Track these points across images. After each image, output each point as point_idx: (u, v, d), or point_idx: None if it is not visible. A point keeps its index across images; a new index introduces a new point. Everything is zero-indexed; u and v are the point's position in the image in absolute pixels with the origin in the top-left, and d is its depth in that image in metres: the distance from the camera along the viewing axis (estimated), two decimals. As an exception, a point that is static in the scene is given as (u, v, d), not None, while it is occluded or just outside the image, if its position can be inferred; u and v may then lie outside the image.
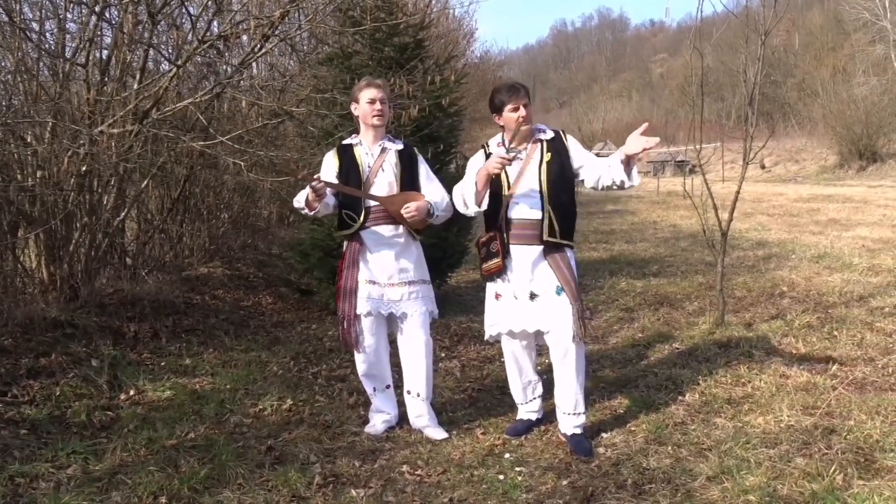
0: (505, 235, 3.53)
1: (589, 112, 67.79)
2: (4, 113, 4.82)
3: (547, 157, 3.53)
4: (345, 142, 3.80)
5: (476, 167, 3.63)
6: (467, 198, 3.56)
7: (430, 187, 3.74)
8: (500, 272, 3.55)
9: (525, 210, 3.51)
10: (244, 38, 6.54)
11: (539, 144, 3.58)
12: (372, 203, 3.62)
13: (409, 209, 3.56)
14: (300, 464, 3.35)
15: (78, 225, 5.31)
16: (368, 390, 3.85)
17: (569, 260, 3.54)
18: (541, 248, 3.50)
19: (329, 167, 3.72)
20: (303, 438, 3.65)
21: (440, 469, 3.35)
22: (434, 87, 6.08)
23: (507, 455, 3.50)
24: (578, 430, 3.60)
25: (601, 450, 3.53)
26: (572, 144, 3.61)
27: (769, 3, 5.37)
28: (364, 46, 6.43)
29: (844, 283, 6.89)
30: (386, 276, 3.64)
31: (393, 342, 3.89)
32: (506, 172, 3.53)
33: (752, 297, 6.65)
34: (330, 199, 3.63)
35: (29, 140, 5.05)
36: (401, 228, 3.66)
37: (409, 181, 3.70)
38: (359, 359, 3.76)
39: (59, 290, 5.11)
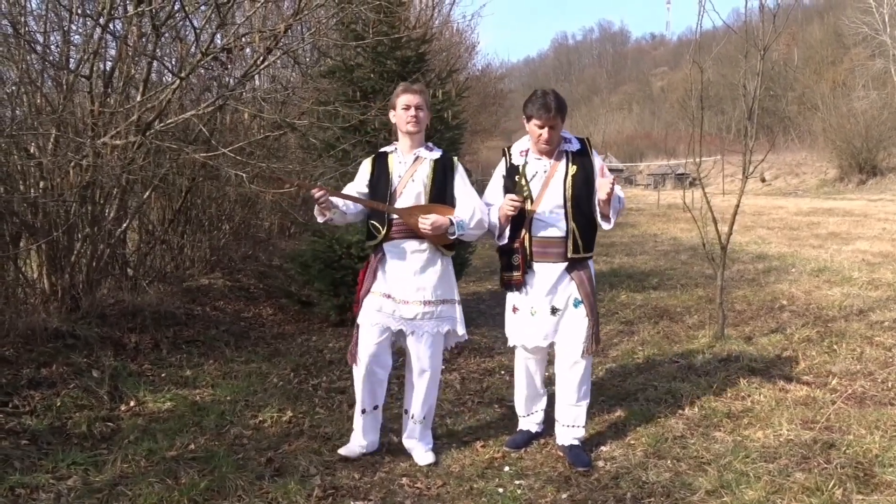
0: (528, 250, 3.48)
1: (590, 124, 67.89)
2: (9, 124, 4.85)
3: (572, 170, 3.45)
4: (382, 149, 3.71)
5: (498, 180, 3.62)
6: (492, 230, 3.60)
7: (464, 201, 3.55)
8: (519, 286, 3.53)
9: (549, 226, 3.46)
10: (247, 50, 6.60)
11: (564, 157, 3.49)
12: (395, 215, 3.52)
13: (424, 221, 3.40)
14: (300, 476, 3.35)
15: (79, 236, 5.33)
16: (357, 408, 3.62)
17: (591, 273, 3.53)
18: (565, 265, 3.48)
19: (363, 174, 3.66)
20: (303, 450, 3.65)
21: (440, 482, 3.36)
22: (436, 101, 6.12)
23: (506, 468, 3.50)
24: (576, 442, 3.61)
25: (600, 463, 3.53)
26: (597, 160, 3.53)
27: (768, 18, 5.42)
28: (366, 59, 6.46)
29: (844, 296, 6.90)
30: (401, 293, 3.50)
31: (400, 358, 3.82)
32: (528, 186, 3.47)
33: (751, 310, 6.66)
34: (348, 209, 3.57)
35: (32, 151, 5.07)
36: (425, 243, 3.51)
37: (440, 193, 3.53)
38: (356, 372, 3.59)
39: (61, 301, 5.12)
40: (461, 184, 3.60)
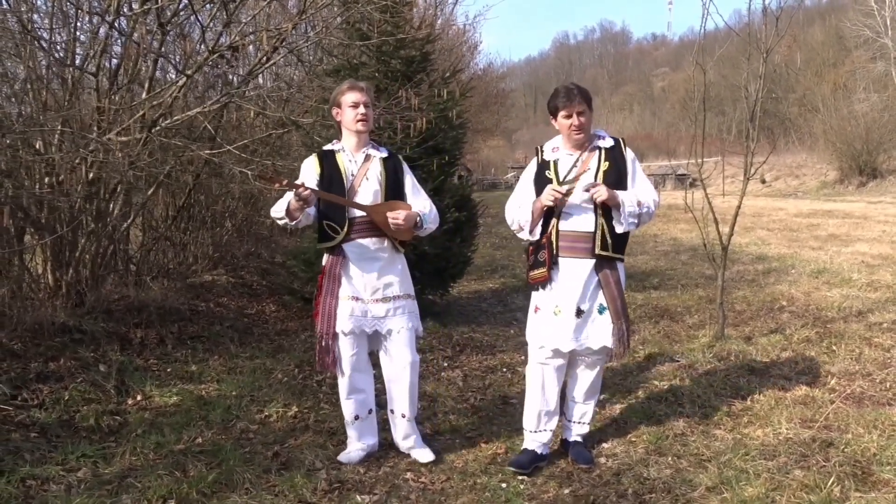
0: (554, 246, 3.38)
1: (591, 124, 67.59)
2: (16, 121, 4.89)
3: (604, 166, 3.36)
4: (326, 147, 3.58)
5: (529, 177, 3.50)
6: (523, 224, 3.46)
7: (417, 199, 3.57)
8: (545, 283, 3.41)
9: (577, 221, 3.36)
10: (250, 48, 6.63)
11: (597, 152, 3.42)
12: (356, 213, 3.42)
13: (396, 216, 3.38)
14: (306, 470, 3.40)
15: (84, 231, 5.36)
16: (348, 417, 3.58)
17: (619, 275, 3.42)
18: (592, 262, 3.36)
19: (309, 173, 3.47)
20: (308, 445, 3.70)
21: (444, 476, 3.41)
22: (440, 100, 6.16)
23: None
24: (579, 439, 3.65)
25: (602, 459, 3.58)
26: (630, 158, 3.45)
27: (771, 21, 5.46)
28: (371, 59, 6.51)
29: (843, 298, 6.95)
30: (370, 292, 3.44)
31: (374, 361, 3.70)
32: (559, 180, 3.38)
33: (751, 310, 6.71)
34: (311, 209, 3.39)
35: (38, 147, 5.11)
36: (386, 241, 3.47)
37: (394, 191, 3.51)
38: (341, 381, 3.54)
39: (66, 297, 5.16)
40: (412, 182, 3.61)
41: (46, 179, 5.05)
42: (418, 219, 3.50)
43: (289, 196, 3.32)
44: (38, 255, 5.32)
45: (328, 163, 3.49)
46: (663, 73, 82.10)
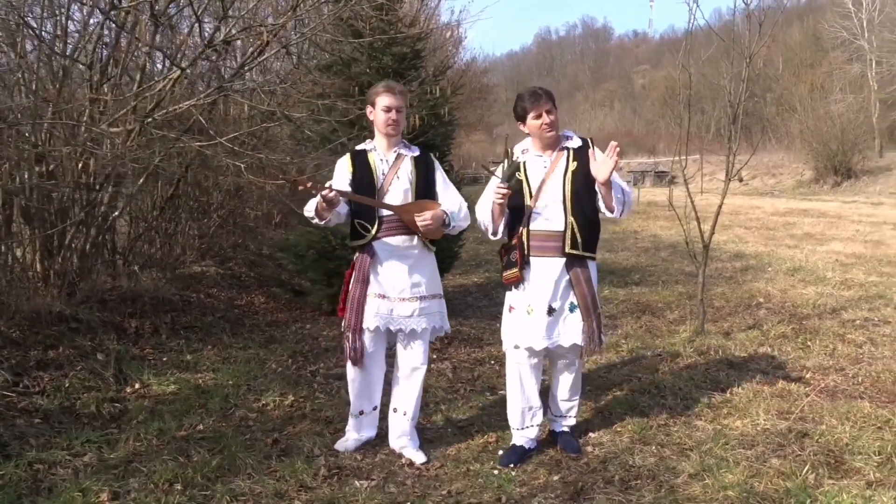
0: (525, 246, 3.46)
1: (571, 121, 67.94)
2: (7, 110, 4.91)
3: (572, 166, 3.42)
4: (358, 147, 3.64)
5: (497, 179, 3.52)
6: (487, 225, 3.54)
7: (447, 195, 3.60)
8: (518, 283, 3.50)
9: (547, 221, 3.43)
10: (238, 42, 6.68)
11: (565, 153, 3.48)
12: (386, 212, 3.47)
13: (424, 218, 3.42)
14: (305, 456, 3.51)
15: (73, 221, 5.39)
16: (354, 410, 3.67)
17: (590, 274, 3.49)
18: (563, 260, 3.44)
19: (342, 173, 3.56)
20: (306, 432, 3.81)
21: (438, 464, 3.53)
22: (431, 97, 6.27)
23: (500, 451, 3.67)
24: (567, 429, 3.79)
25: (589, 448, 3.73)
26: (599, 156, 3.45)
27: (754, 26, 5.61)
28: (362, 55, 6.59)
29: (818, 295, 7.17)
30: (397, 291, 3.49)
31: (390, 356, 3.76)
32: (528, 181, 3.46)
33: (729, 307, 6.90)
34: (342, 208, 3.46)
35: (31, 138, 5.13)
36: (415, 239, 3.52)
37: (424, 189, 3.55)
38: (357, 376, 3.62)
39: (60, 287, 5.20)
40: (442, 179, 3.65)
41: (37, 169, 5.07)
42: (446, 217, 3.53)
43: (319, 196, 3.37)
44: (28, 245, 5.34)
45: (360, 162, 3.56)
46: (644, 70, 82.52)
